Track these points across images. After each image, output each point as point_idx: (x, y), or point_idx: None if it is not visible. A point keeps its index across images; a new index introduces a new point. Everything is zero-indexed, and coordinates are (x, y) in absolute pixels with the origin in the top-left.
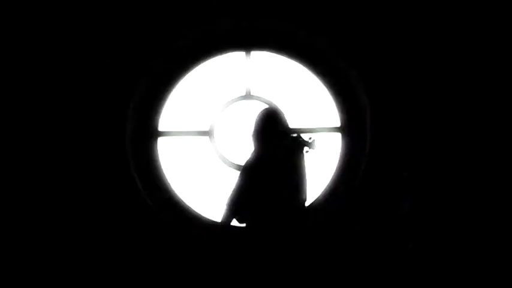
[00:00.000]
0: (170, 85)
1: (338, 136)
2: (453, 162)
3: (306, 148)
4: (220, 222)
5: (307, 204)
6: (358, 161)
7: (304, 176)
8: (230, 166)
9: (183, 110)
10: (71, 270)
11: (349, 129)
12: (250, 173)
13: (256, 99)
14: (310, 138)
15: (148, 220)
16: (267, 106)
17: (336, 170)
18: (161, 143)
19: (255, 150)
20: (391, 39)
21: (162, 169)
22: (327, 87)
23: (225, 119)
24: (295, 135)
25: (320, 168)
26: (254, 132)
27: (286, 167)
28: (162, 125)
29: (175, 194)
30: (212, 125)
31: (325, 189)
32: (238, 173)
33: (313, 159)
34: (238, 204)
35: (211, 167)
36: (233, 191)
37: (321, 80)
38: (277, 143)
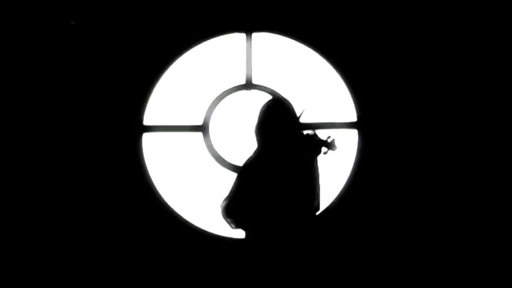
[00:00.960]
0: (158, 72)
1: (354, 133)
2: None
3: (324, 149)
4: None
5: (319, 211)
6: (378, 162)
7: (318, 178)
8: (227, 167)
9: (172, 101)
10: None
11: (367, 125)
12: (252, 173)
13: (258, 89)
14: (329, 137)
15: (132, 225)
16: (273, 96)
17: (352, 171)
18: (147, 140)
19: (258, 148)
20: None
21: (147, 169)
22: (341, 75)
23: (221, 111)
24: (311, 132)
25: (333, 169)
26: (258, 126)
27: (297, 168)
28: (148, 118)
29: (161, 197)
30: (206, 119)
31: (339, 193)
32: (236, 174)
33: (325, 159)
34: (235, 208)
35: (205, 168)
36: (230, 192)
37: (334, 67)
38: (286, 140)
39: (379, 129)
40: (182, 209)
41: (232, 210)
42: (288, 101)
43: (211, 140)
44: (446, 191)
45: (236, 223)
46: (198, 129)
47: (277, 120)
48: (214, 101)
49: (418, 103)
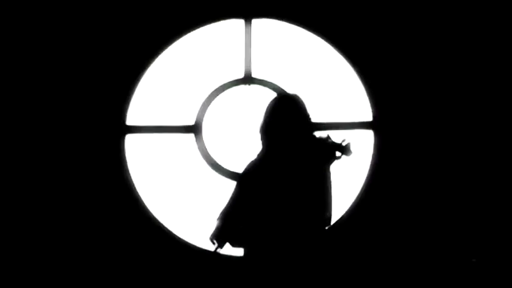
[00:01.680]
0: (143, 63)
1: (369, 134)
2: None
3: (337, 153)
4: (210, 238)
5: (330, 225)
6: (396, 167)
7: (330, 187)
8: (223, 174)
9: (160, 98)
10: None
11: (384, 125)
12: (254, 181)
13: (259, 84)
14: (343, 141)
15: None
16: (282, 93)
17: (367, 177)
18: (130, 142)
19: (262, 151)
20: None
21: (130, 176)
22: (355, 69)
23: (216, 110)
24: (323, 135)
25: (346, 175)
26: (264, 126)
27: (308, 176)
28: (132, 118)
29: (146, 208)
30: (199, 118)
31: (352, 203)
32: (234, 182)
33: (336, 164)
34: (234, 221)
35: (197, 175)
36: (228, 203)
37: (347, 59)
38: (296, 143)
39: (398, 130)
40: (170, 222)
41: (230, 226)
42: (299, 97)
43: (204, 142)
44: (473, 199)
45: (234, 242)
46: (189, 130)
47: (288, 120)
48: (208, 97)
49: (442, 101)
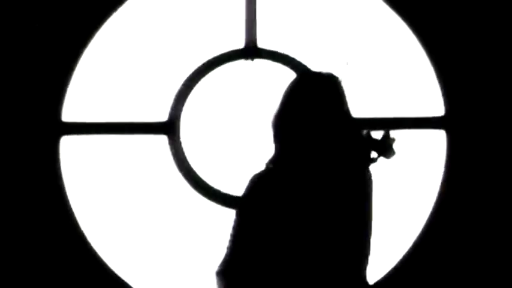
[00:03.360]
0: (85, 35)
1: (441, 134)
2: None
3: (373, 153)
4: None
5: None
6: (470, 178)
7: (371, 210)
8: (210, 197)
9: (112, 84)
10: None
11: (460, 122)
12: (266, 204)
13: (268, 58)
14: (385, 136)
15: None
16: (307, 70)
17: (438, 197)
18: (67, 145)
19: (275, 158)
20: None
21: (66, 194)
22: (421, 41)
23: (201, 100)
24: (364, 131)
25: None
26: (279, 119)
27: (344, 194)
28: (69, 112)
29: (87, 241)
30: (174, 113)
31: (417, 238)
32: (229, 209)
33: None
34: (244, 275)
35: (170, 195)
36: (230, 248)
37: (408, 24)
38: (329, 144)
39: (474, 129)
40: (126, 269)
41: (235, 273)
42: (336, 77)
43: (182, 147)
44: None
45: None
46: (159, 130)
47: (317, 109)
48: (187, 81)
49: None
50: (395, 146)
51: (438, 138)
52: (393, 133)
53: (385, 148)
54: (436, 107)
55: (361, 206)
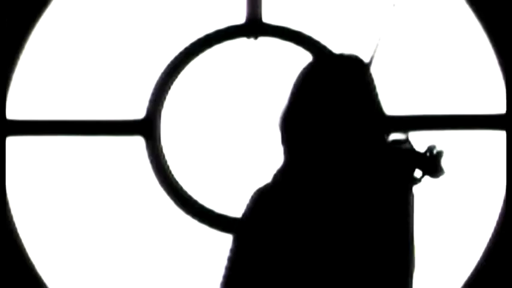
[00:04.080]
0: (33, 15)
1: (500, 136)
2: None
3: (417, 172)
4: None
5: None
6: None
7: (413, 234)
8: (199, 218)
9: (79, 73)
10: None
11: None
12: (273, 228)
13: (276, 36)
14: (430, 149)
15: None
16: (327, 52)
17: (500, 216)
18: (13, 148)
19: (285, 167)
20: None
21: (10, 212)
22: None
23: (188, 91)
24: (400, 137)
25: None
26: (290, 115)
27: (379, 224)
28: (16, 108)
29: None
30: (153, 108)
31: (475, 268)
32: (224, 234)
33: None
34: None
35: (149, 214)
36: (226, 280)
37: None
38: (354, 149)
39: None
40: None
41: None
42: (362, 61)
43: (163, 152)
44: None
45: None
46: (134, 130)
47: (339, 101)
48: (170, 67)
49: None
50: (443, 161)
51: (496, 139)
52: (440, 144)
53: (432, 164)
54: (495, 105)
55: (398, 242)
